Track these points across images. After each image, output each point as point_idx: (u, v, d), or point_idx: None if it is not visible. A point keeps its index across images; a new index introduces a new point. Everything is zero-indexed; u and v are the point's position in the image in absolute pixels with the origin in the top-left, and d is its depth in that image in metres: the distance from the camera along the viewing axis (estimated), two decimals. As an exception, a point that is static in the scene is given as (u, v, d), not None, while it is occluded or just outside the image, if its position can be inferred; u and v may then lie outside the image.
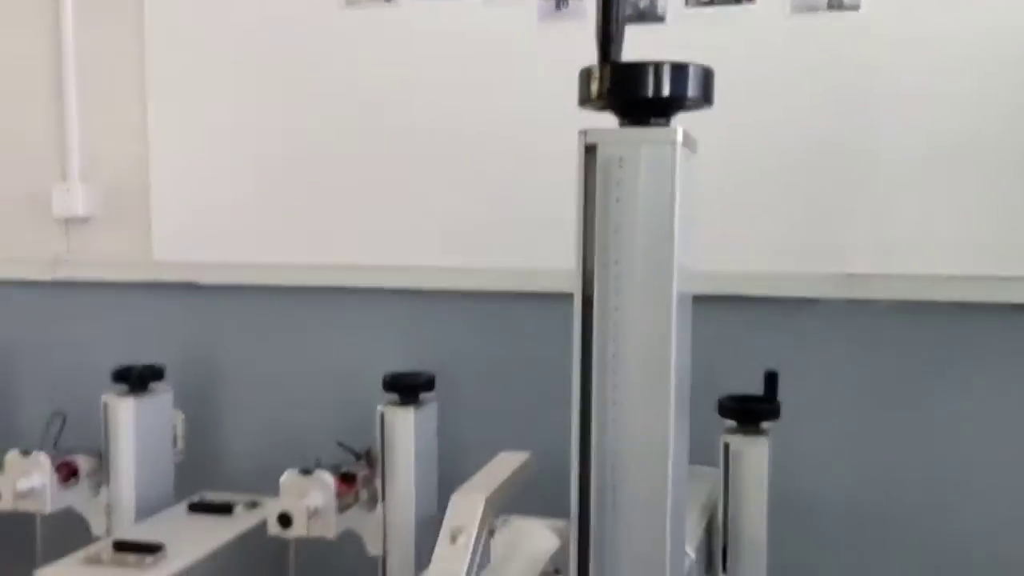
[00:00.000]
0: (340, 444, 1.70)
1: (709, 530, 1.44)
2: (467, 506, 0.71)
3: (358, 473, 1.64)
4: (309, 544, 1.60)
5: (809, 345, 1.69)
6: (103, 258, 2.13)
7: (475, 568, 0.68)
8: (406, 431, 1.62)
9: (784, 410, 1.46)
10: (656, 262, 0.78)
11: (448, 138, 1.87)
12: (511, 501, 0.79)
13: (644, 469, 0.71)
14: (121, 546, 1.48)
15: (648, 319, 0.75)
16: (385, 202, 1.92)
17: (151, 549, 1.46)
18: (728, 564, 1.41)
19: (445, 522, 0.72)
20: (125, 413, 1.69)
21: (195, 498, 1.73)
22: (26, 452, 1.63)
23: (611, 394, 0.72)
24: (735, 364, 1.54)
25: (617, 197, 0.73)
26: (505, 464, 0.81)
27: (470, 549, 0.68)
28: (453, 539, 0.68)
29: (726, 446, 1.40)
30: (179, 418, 1.85)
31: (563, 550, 0.74)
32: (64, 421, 1.71)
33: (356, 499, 1.62)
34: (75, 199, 2.12)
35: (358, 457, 1.70)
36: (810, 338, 1.69)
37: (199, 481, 1.84)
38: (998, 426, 1.64)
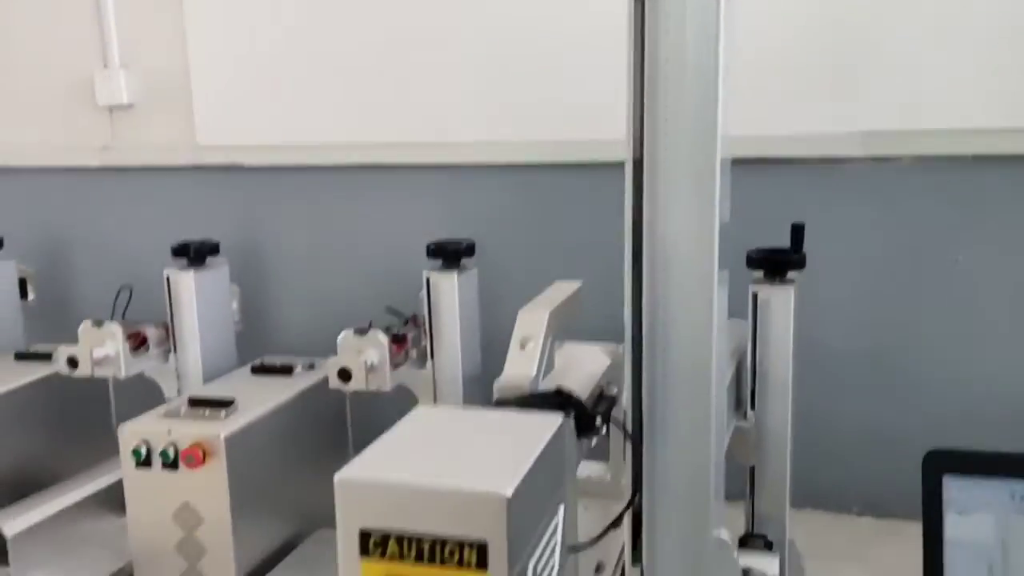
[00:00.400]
0: (389, 309, 1.81)
1: (738, 374, 1.54)
2: (534, 318, 0.80)
3: (408, 334, 1.75)
4: (365, 398, 1.72)
5: (833, 203, 1.75)
6: (149, 143, 2.21)
7: (543, 370, 0.78)
8: (450, 293, 1.71)
9: (809, 265, 1.54)
10: (702, 105, 0.83)
11: (484, 9, 1.90)
12: (565, 330, 0.89)
13: (692, 301, 0.78)
14: (195, 402, 1.60)
15: (696, 175, 0.80)
16: (423, 79, 1.97)
17: (223, 404, 1.58)
18: (756, 404, 1.52)
19: (514, 333, 0.81)
20: (187, 285, 1.79)
21: (256, 362, 1.85)
22: (98, 323, 1.74)
23: (661, 245, 0.78)
24: (760, 225, 1.60)
25: (666, 29, 0.79)
26: (561, 289, 0.90)
27: (538, 353, 0.78)
28: (522, 346, 0.78)
29: (754, 295, 1.47)
30: (235, 291, 1.96)
31: (613, 368, 0.83)
32: (131, 294, 1.82)
33: (407, 358, 1.73)
34: (118, 86, 2.18)
35: (406, 321, 1.81)
36: (834, 196, 1.75)
37: (257, 350, 1.96)
38: (1018, 275, 1.71)
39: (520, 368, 0.74)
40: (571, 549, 0.64)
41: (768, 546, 1.48)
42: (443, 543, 0.50)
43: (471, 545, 0.50)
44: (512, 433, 0.59)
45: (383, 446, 0.56)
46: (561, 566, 0.60)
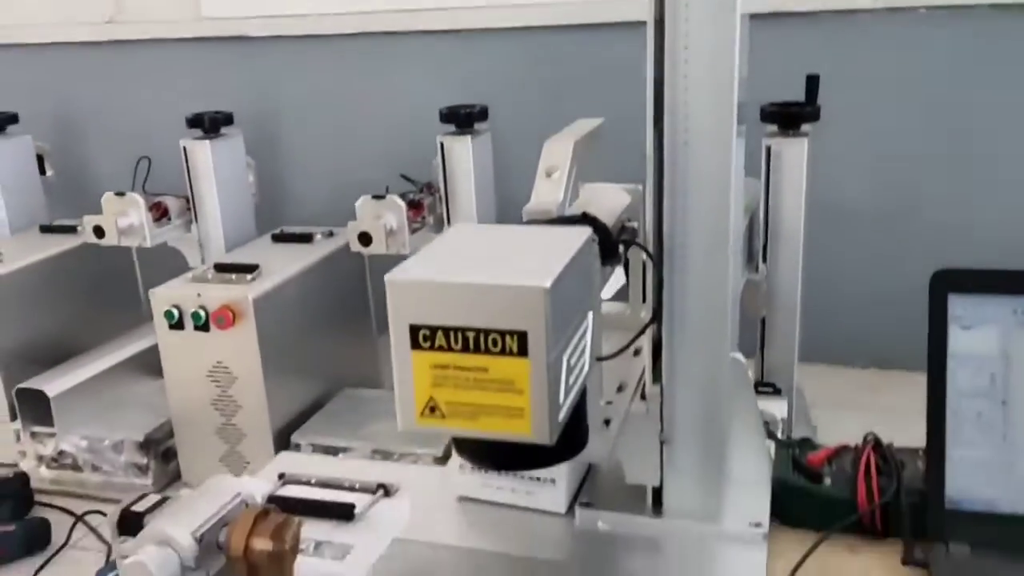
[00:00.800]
0: (403, 176, 1.84)
1: (750, 230, 1.57)
2: (559, 148, 0.83)
3: (423, 200, 1.78)
4: (384, 264, 1.75)
5: (850, 56, 1.74)
6: (153, 16, 2.18)
7: (568, 199, 0.82)
8: (464, 157, 1.73)
9: (823, 120, 1.54)
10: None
11: None
12: (589, 168, 0.91)
13: (711, 155, 0.79)
14: (221, 267, 1.65)
15: (715, 31, 0.80)
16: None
17: (249, 269, 1.62)
18: (767, 257, 1.55)
19: (540, 163, 0.84)
20: (204, 155, 1.81)
21: (276, 231, 1.88)
22: (120, 193, 1.77)
23: (682, 103, 0.78)
24: (776, 80, 1.60)
25: None
26: (583, 125, 0.92)
27: (564, 182, 0.81)
28: (548, 175, 0.81)
29: (768, 149, 1.49)
30: (251, 164, 1.98)
31: (633, 206, 0.86)
32: (150, 164, 1.85)
33: (423, 223, 1.77)
34: (119, -43, 2.14)
35: (421, 188, 1.83)
36: (851, 49, 1.74)
37: (275, 222, 1.99)
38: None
39: (547, 195, 0.77)
40: (598, 359, 0.69)
41: (777, 392, 1.54)
42: (487, 333, 0.54)
43: (512, 334, 0.54)
44: (545, 241, 0.62)
45: (427, 252, 0.60)
46: (589, 370, 0.64)
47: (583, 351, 0.62)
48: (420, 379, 0.56)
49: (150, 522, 0.73)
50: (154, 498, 0.77)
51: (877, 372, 1.91)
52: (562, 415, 0.57)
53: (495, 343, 0.54)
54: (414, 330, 0.55)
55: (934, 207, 1.80)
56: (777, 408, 1.48)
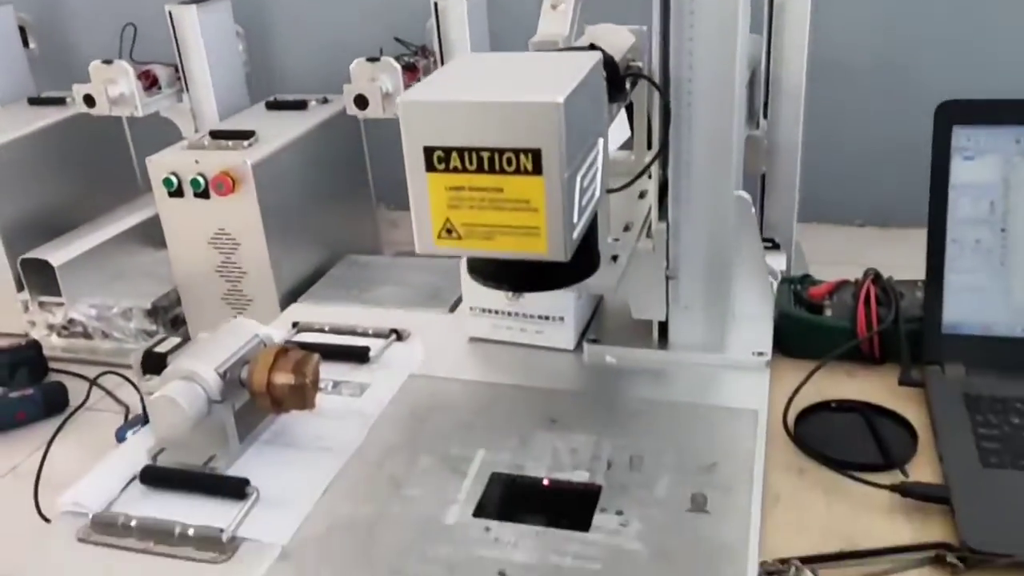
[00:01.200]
0: (397, 39, 1.80)
1: (751, 86, 1.56)
2: (563, -16, 0.81)
3: (418, 63, 1.75)
4: (380, 129, 1.74)
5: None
6: None
7: (573, 35, 0.81)
8: (460, 17, 1.69)
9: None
10: None
11: None
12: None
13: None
14: (217, 134, 1.63)
15: None
16: None
17: (245, 135, 1.61)
18: (768, 112, 1.54)
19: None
20: (190, 19, 1.76)
21: (270, 99, 1.86)
22: (107, 61, 1.73)
23: None
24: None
25: None
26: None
27: (570, 14, 0.80)
28: (554, 7, 0.80)
29: (770, 2, 1.46)
30: (240, 33, 1.93)
31: (637, 47, 0.85)
32: (135, 32, 1.80)
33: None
34: None
35: (415, 51, 1.80)
36: None
37: (267, 90, 1.96)
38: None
39: (553, 27, 0.76)
40: (607, 191, 0.70)
41: (776, 247, 1.56)
42: (501, 152, 0.54)
43: (527, 152, 0.54)
44: (555, 64, 0.62)
45: (438, 76, 0.60)
46: (600, 196, 0.65)
47: (595, 175, 0.63)
48: (436, 202, 0.57)
49: (173, 361, 0.75)
50: (175, 340, 0.80)
51: (875, 230, 1.93)
52: (576, 233, 0.58)
53: (510, 162, 0.55)
54: (428, 152, 0.55)
55: (936, 63, 1.78)
56: (776, 262, 1.49)
